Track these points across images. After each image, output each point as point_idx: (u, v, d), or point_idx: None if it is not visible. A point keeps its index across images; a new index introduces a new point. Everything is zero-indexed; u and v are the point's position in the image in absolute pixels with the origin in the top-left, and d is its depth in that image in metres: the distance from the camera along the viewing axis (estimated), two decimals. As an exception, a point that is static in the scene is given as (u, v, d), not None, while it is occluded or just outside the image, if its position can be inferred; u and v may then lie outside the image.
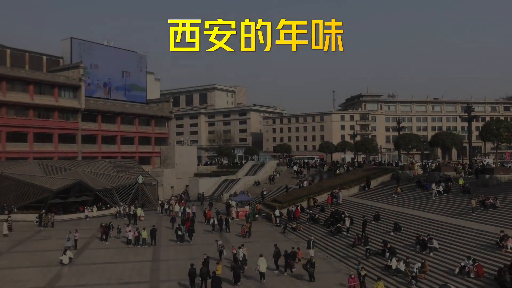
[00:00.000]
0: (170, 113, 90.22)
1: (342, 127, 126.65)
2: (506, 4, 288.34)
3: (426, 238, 28.42)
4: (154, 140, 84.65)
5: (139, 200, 58.79)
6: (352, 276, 23.49)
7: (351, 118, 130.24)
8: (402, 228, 33.16)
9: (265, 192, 60.08)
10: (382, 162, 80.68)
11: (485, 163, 55.99)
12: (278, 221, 45.76)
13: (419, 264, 24.91)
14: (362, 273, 24.26)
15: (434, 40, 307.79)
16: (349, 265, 29.46)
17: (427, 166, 58.24)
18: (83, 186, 54.98)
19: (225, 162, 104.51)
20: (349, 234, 35.73)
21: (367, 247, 30.64)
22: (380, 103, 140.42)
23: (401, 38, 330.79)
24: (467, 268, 23.09)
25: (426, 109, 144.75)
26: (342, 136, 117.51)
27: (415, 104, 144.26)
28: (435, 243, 27.74)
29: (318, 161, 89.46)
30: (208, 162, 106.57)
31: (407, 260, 25.54)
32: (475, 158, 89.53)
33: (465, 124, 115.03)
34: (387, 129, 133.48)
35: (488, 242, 26.25)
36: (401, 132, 63.04)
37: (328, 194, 48.96)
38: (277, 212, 47.04)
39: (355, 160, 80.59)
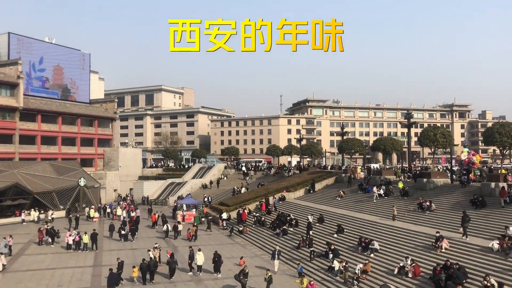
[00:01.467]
0: (114, 113, 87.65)
1: (289, 131, 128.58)
2: (443, 19, 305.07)
3: (367, 240, 29.41)
4: (97, 142, 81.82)
5: (80, 203, 56.68)
6: (312, 283, 23.56)
7: (298, 122, 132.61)
8: (345, 230, 34.10)
9: (206, 198, 59.47)
10: (327, 165, 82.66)
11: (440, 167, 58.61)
12: (224, 224, 45.67)
13: (361, 265, 25.73)
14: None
15: (377, 50, 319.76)
16: (294, 267, 29.88)
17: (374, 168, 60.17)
18: (20, 189, 52.22)
19: (171, 165, 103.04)
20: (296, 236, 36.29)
21: (312, 249, 31.25)
22: (325, 108, 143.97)
23: (347, 46, 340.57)
24: (405, 268, 24.11)
25: (369, 115, 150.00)
26: (289, 140, 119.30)
27: (358, 110, 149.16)
28: (376, 245, 28.75)
29: (266, 164, 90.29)
30: (154, 165, 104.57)
31: (347, 265, 26.30)
32: (414, 163, 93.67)
33: (405, 130, 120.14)
34: (332, 134, 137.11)
35: (425, 242, 27.52)
36: (345, 137, 64.92)
37: (262, 201, 49.04)
38: (224, 215, 46.94)
39: (301, 163, 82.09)
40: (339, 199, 45.32)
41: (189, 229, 40.47)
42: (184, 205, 53.98)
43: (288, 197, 51.07)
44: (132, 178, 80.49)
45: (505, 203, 30.44)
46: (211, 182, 72.38)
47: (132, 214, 48.24)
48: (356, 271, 25.23)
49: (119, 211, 51.93)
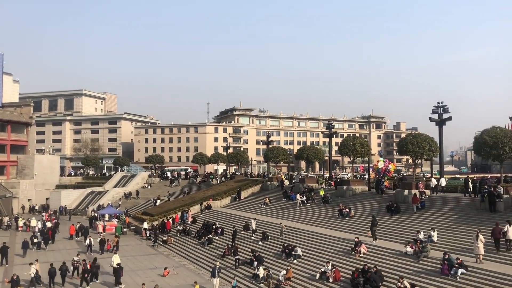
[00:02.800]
0: (30, 118, 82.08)
1: (216, 139, 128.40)
2: (365, 35, 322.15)
3: (291, 246, 30.02)
4: (9, 148, 75.93)
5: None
6: None
7: (225, 130, 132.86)
8: (270, 237, 34.56)
9: (127, 209, 57.52)
10: (254, 173, 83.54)
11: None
12: (148, 234, 44.39)
13: (284, 272, 26.18)
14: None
15: (300, 62, 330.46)
16: (220, 276, 29.69)
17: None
18: None
19: (91, 173, 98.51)
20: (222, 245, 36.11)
21: (237, 257, 31.28)
22: (252, 117, 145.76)
23: (275, 58, 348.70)
24: (327, 273, 24.90)
25: (293, 124, 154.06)
26: (216, 148, 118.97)
27: (283, 119, 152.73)
28: (299, 251, 29.44)
29: (192, 172, 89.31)
30: (73, 173, 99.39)
31: (270, 272, 26.66)
32: (335, 171, 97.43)
33: (327, 140, 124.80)
34: (258, 142, 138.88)
35: (345, 248, 28.65)
36: (270, 146, 66.00)
37: (177, 213, 48.35)
38: (145, 225, 45.66)
39: (228, 171, 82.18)
40: (264, 206, 45.89)
41: (109, 240, 38.77)
42: (106, 215, 51.78)
43: (214, 205, 50.85)
44: (48, 186, 75.78)
45: (417, 209, 32.55)
46: (137, 192, 69.88)
47: (49, 224, 45.45)
48: (280, 278, 25.63)
49: (33, 222, 48.46)
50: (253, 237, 35.63)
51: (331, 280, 24.46)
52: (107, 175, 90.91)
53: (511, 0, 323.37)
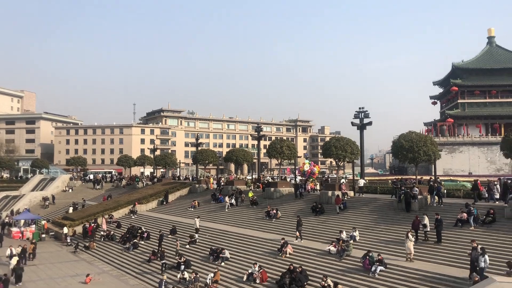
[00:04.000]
0: None
1: (142, 141, 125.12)
2: (291, 43, 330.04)
3: (219, 249, 29.97)
4: None
5: None
6: None
7: (152, 132, 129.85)
8: (197, 241, 34.26)
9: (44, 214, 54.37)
10: (182, 176, 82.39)
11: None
12: (69, 240, 42.19)
13: (212, 275, 26.08)
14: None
15: (229, 65, 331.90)
16: (145, 281, 28.98)
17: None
18: None
19: (6, 175, 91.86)
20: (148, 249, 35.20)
21: (163, 261, 30.66)
22: (181, 119, 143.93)
23: (205, 59, 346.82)
24: (254, 274, 25.14)
25: (222, 127, 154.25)
26: (142, 150, 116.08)
27: (212, 122, 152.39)
28: (227, 253, 29.46)
29: (116, 175, 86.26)
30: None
31: (197, 275, 26.46)
32: (263, 173, 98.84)
33: (255, 142, 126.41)
34: (186, 144, 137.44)
35: (272, 249, 29.12)
36: (199, 148, 65.52)
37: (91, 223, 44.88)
38: (65, 230, 43.41)
39: (155, 174, 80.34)
40: (192, 209, 45.43)
41: (25, 246, 36.14)
42: (22, 221, 48.50)
43: (140, 209, 49.49)
44: (-45, 191, 69.53)
45: (340, 209, 33.92)
46: (53, 197, 65.93)
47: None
48: (207, 281, 25.49)
49: None
50: (196, 236, 34.82)
51: (258, 281, 24.73)
52: (23, 178, 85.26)
53: (417, 17, 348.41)
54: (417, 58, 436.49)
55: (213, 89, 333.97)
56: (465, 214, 25.80)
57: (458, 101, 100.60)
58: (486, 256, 18.99)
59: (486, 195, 29.93)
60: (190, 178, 68.07)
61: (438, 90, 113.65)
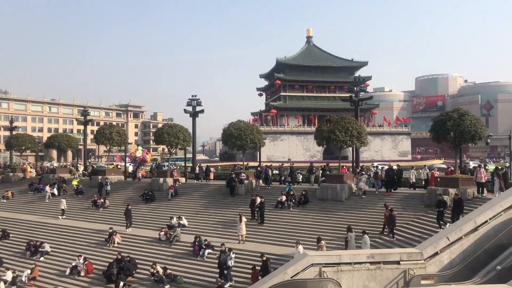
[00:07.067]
0: None
1: None
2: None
3: (38, 243, 27.38)
4: None
5: None
6: None
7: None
8: (12, 235, 30.73)
9: None
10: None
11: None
12: None
13: (28, 271, 23.73)
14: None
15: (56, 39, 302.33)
16: None
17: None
18: None
19: None
20: None
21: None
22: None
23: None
24: (78, 267, 23.66)
25: (43, 109, 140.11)
26: None
27: (31, 103, 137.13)
28: (47, 247, 27.08)
29: None
30: None
31: (16, 273, 23.86)
32: (89, 160, 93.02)
33: (81, 127, 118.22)
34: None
35: (99, 239, 27.76)
36: (14, 132, 58.50)
37: None
38: None
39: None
40: (4, 201, 40.42)
41: None
42: None
43: None
44: None
45: (171, 196, 34.07)
46: None
47: None
48: (23, 279, 23.11)
49: None
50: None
51: (82, 274, 23.37)
52: None
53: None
54: (249, 51, 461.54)
55: (32, 64, 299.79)
56: (284, 197, 28.43)
57: (281, 93, 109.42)
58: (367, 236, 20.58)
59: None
60: (2, 166, 60.38)
61: (264, 83, 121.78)
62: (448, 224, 19.65)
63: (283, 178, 33.65)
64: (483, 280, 13.29)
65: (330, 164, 38.68)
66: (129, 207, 29.80)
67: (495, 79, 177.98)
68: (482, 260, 14.06)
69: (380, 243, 21.51)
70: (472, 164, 37.62)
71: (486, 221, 14.99)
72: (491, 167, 50.43)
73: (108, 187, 37.27)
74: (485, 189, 24.22)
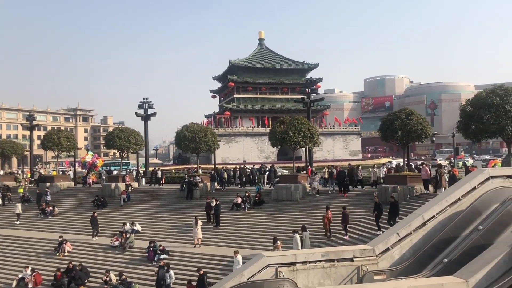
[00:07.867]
0: None
1: None
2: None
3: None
4: None
5: None
6: None
7: None
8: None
9: None
10: None
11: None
12: None
13: (-29, 286, 22.48)
14: None
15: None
16: None
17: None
18: None
19: None
20: None
21: None
22: None
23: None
24: (25, 279, 22.63)
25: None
26: None
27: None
28: (-9, 259, 25.75)
29: None
30: None
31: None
32: (37, 167, 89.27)
33: (27, 133, 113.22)
34: None
35: (48, 248, 26.69)
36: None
37: None
38: None
39: None
40: None
41: None
42: None
43: None
44: None
45: (123, 201, 33.25)
46: None
47: None
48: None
49: None
50: None
51: (30, 285, 22.37)
52: None
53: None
54: (202, 53, 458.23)
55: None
56: (239, 198, 28.45)
57: (234, 95, 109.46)
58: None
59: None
60: None
61: (217, 85, 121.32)
62: (382, 230, 20.15)
63: (256, 179, 33.35)
64: (432, 273, 13.87)
65: (285, 165, 39.13)
66: (95, 214, 28.65)
67: (438, 79, 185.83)
68: (431, 254, 14.67)
69: (334, 241, 21.96)
70: (439, 161, 39.64)
71: (434, 216, 15.65)
72: (471, 161, 54.44)
73: (49, 197, 35.77)
74: (429, 185, 25.12)
